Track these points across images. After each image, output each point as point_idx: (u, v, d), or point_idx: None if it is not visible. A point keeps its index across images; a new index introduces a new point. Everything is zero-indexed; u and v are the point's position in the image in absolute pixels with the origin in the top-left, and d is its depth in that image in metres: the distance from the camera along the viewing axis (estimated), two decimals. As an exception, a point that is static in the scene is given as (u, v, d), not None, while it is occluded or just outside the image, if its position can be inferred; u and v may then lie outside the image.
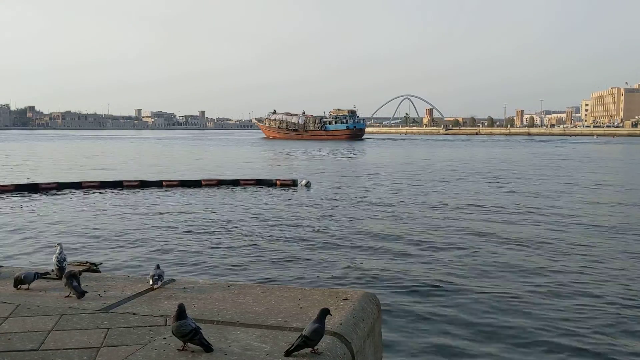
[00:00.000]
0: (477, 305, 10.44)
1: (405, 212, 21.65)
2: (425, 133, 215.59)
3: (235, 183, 31.85)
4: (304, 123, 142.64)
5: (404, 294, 11.11)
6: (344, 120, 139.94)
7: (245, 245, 15.55)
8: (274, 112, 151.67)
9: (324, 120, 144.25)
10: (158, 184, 31.03)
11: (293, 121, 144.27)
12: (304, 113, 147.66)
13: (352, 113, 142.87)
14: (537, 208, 22.96)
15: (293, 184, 31.60)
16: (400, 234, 17.40)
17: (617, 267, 13.28)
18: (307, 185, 31.26)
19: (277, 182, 31.91)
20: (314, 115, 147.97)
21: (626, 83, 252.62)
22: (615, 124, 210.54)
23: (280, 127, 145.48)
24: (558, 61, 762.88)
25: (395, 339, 8.72)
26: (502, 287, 11.66)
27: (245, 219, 20.19)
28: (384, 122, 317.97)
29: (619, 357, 8.23)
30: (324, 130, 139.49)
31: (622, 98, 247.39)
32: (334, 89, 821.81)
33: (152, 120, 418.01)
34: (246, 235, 17.00)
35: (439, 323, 9.57)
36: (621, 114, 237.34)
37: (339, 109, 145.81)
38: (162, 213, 21.47)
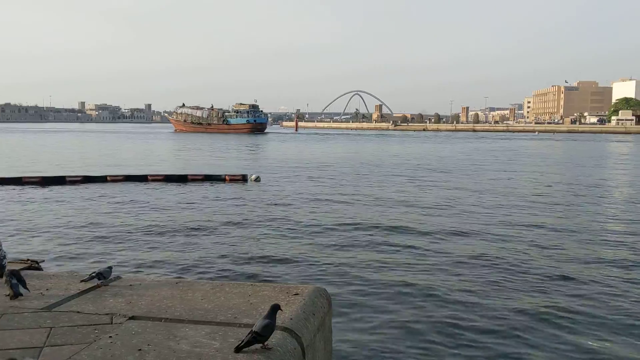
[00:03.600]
0: (426, 299, 10.65)
1: (356, 205, 21.84)
2: (375, 129, 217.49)
3: (183, 178, 31.45)
4: (208, 117, 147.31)
5: (356, 288, 11.21)
6: (246, 115, 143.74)
7: (194, 242, 15.36)
8: (183, 105, 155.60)
9: (226, 114, 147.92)
10: (102, 179, 30.34)
11: (197, 115, 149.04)
12: (212, 107, 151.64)
13: (254, 107, 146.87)
14: (465, 205, 23.61)
15: (243, 179, 31.45)
16: (352, 227, 17.55)
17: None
18: (257, 180, 31.18)
19: (227, 177, 31.69)
20: (219, 109, 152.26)
21: (565, 82, 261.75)
22: (556, 120, 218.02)
23: (185, 121, 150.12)
24: (502, 60, 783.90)
25: (346, 332, 8.81)
26: (452, 280, 11.94)
27: (194, 214, 19.95)
28: (334, 118, 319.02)
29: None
30: (226, 123, 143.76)
31: (562, 96, 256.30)
32: (285, 84, 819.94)
33: (97, 113, 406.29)
34: (195, 232, 16.80)
35: (390, 316, 9.72)
36: (561, 111, 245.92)
37: (241, 103, 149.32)
38: (108, 209, 20.97)
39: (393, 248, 14.84)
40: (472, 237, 16.40)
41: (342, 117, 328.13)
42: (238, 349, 3.31)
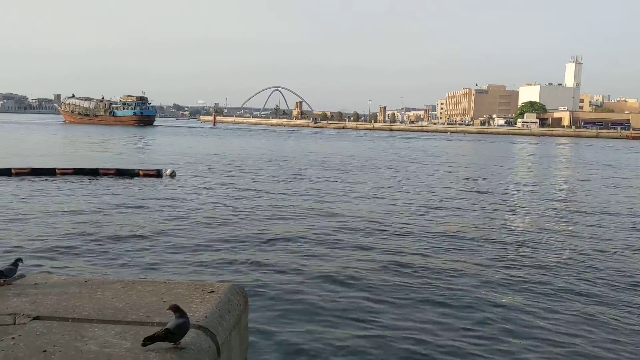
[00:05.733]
0: (345, 296, 10.83)
1: (273, 200, 21.83)
2: (295, 125, 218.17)
3: (94, 172, 30.24)
4: (95, 108, 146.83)
5: (273, 285, 11.22)
6: (133, 107, 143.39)
7: (105, 240, 14.80)
8: (73, 96, 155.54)
9: (113, 105, 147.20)
10: (6, 172, 28.61)
11: (85, 106, 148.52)
12: (102, 98, 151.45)
13: (142, 100, 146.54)
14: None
15: (157, 174, 30.65)
16: (269, 223, 17.53)
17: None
18: (173, 175, 30.49)
19: (140, 171, 30.78)
20: (108, 100, 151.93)
21: (476, 85, 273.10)
22: (467, 122, 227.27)
23: (73, 112, 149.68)
24: (418, 63, 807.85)
25: (262, 330, 8.80)
26: (370, 274, 12.19)
27: (106, 211, 19.24)
28: (254, 113, 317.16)
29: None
30: (113, 115, 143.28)
31: (472, 98, 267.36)
32: (203, 77, 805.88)
33: (1, 103, 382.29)
34: (105, 229, 16.20)
35: (308, 314, 9.80)
36: (472, 113, 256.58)
37: (129, 95, 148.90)
38: (15, 205, 19.81)
39: (311, 244, 14.96)
40: (388, 230, 16.83)
41: (262, 112, 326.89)
42: (145, 341, 3.26)
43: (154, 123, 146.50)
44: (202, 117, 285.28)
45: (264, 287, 11.02)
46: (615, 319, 9.91)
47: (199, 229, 16.45)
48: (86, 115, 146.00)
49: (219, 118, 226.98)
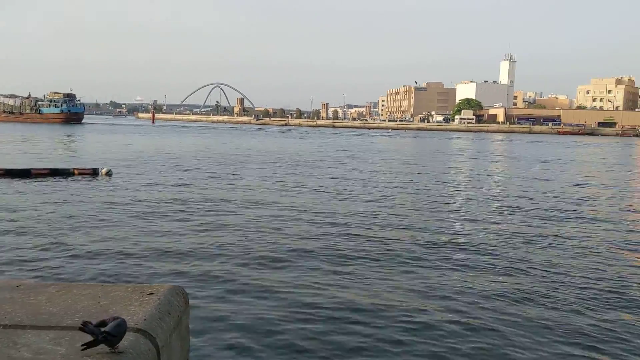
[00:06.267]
0: (287, 289, 10.85)
1: (214, 200, 21.61)
2: (237, 122, 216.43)
3: (25, 173, 29.08)
4: (20, 105, 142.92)
5: (215, 286, 11.12)
6: (60, 104, 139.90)
7: (38, 243, 14.28)
8: None
9: (39, 103, 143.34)
10: None
11: (10, 103, 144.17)
12: (28, 95, 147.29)
13: (70, 97, 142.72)
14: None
15: (94, 172, 29.85)
16: (206, 219, 17.35)
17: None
18: (109, 174, 29.76)
19: (75, 171, 29.90)
20: (34, 97, 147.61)
21: (415, 82, 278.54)
22: (407, 118, 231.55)
23: None
24: (359, 62, 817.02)
25: (203, 331, 8.73)
26: (303, 274, 12.25)
27: (39, 213, 18.55)
28: (194, 110, 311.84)
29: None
30: (39, 113, 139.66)
31: (412, 95, 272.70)
32: (141, 72, 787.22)
33: None
34: (39, 232, 15.63)
35: (249, 311, 9.77)
36: (412, 109, 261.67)
37: (55, 92, 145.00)
38: None
39: (252, 240, 14.90)
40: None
41: (203, 109, 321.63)
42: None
43: (83, 121, 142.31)
44: (140, 115, 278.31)
45: (205, 287, 10.92)
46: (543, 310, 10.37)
47: (136, 229, 16.10)
48: (11, 113, 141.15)
49: (158, 115, 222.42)
